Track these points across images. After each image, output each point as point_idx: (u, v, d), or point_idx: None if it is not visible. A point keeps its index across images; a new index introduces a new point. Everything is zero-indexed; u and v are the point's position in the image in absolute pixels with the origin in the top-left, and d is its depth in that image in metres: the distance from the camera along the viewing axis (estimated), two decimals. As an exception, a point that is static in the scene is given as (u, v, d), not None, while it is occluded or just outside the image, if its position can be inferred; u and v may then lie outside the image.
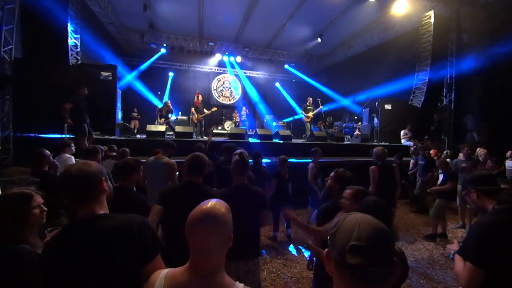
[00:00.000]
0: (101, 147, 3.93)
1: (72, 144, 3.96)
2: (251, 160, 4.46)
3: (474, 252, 1.33)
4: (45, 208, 1.42)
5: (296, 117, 13.68)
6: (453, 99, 8.89)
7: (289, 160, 4.75)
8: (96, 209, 1.15)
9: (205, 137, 8.35)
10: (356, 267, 0.62)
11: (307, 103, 9.82)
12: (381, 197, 3.73)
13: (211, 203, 0.95)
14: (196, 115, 8.66)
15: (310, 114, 9.66)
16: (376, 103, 9.86)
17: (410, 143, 8.13)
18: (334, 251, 0.67)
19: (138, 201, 2.13)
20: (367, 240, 0.63)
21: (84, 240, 1.05)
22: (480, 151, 5.54)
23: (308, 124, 9.82)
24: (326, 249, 0.71)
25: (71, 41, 6.96)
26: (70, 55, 6.90)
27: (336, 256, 0.66)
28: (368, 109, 10.74)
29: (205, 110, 8.78)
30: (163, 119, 8.74)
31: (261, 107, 14.52)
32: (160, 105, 10.28)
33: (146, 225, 1.12)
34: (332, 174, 2.44)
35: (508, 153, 5.40)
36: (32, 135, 5.98)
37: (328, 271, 0.71)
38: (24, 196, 1.36)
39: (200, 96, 9.02)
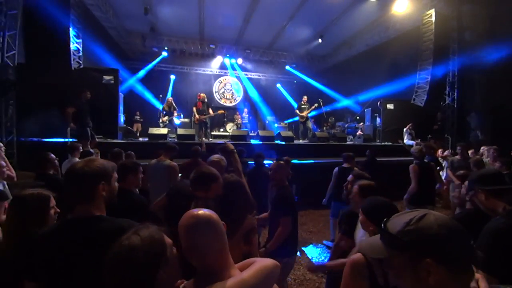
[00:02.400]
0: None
1: (81, 147, 4.00)
2: (252, 162, 4.49)
3: (486, 259, 1.23)
4: (58, 210, 1.43)
5: (297, 118, 13.65)
6: (456, 97, 8.83)
7: (292, 161, 4.73)
8: (92, 210, 1.15)
9: (210, 139, 8.34)
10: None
11: (302, 102, 9.52)
12: (422, 195, 3.80)
13: (195, 209, 0.98)
14: (197, 116, 8.61)
15: (305, 113, 9.33)
16: (378, 103, 9.81)
17: (413, 142, 8.07)
18: (452, 254, 0.65)
19: (137, 203, 2.10)
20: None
21: (75, 239, 1.06)
22: (484, 149, 5.47)
23: (302, 125, 9.51)
24: (430, 259, 0.66)
25: (73, 45, 7.02)
26: (72, 59, 6.95)
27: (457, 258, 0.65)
28: (370, 109, 10.70)
29: (210, 111, 8.67)
30: (166, 117, 8.69)
31: (263, 109, 14.53)
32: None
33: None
34: (349, 178, 2.41)
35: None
36: (36, 139, 6.02)
37: (434, 283, 0.66)
38: (44, 197, 1.37)
39: (202, 97, 8.86)
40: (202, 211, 0.97)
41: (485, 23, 7.92)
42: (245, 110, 12.59)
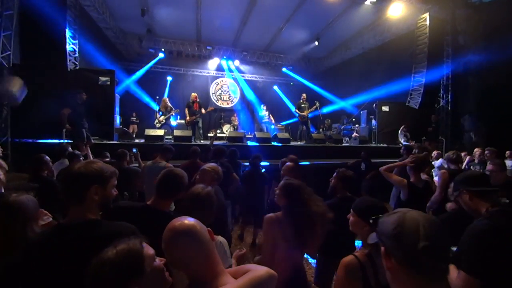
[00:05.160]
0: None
1: (70, 148, 3.97)
2: (247, 163, 4.51)
3: (468, 261, 1.25)
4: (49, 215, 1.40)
5: (294, 119, 13.70)
6: (450, 100, 8.95)
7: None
8: (86, 213, 1.11)
9: (202, 141, 8.28)
10: (428, 266, 0.67)
11: (301, 100, 9.25)
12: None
13: (178, 219, 0.96)
14: (188, 117, 8.37)
15: (305, 112, 9.03)
16: (374, 105, 9.91)
17: (408, 144, 8.15)
18: (399, 251, 0.71)
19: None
20: (435, 239, 0.68)
21: (68, 245, 1.03)
22: (476, 151, 5.55)
23: (302, 125, 9.30)
24: (383, 248, 0.77)
25: (69, 46, 6.97)
26: (68, 60, 6.91)
27: (403, 255, 0.70)
28: (366, 111, 10.79)
29: (202, 110, 8.54)
30: (162, 117, 8.63)
31: (260, 110, 14.54)
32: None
33: (134, 235, 1.06)
34: (334, 174, 2.55)
35: (507, 153, 5.40)
36: (30, 140, 5.97)
37: (387, 268, 0.76)
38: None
39: (197, 99, 8.70)
40: (179, 222, 0.93)
41: (478, 27, 8.05)
42: (264, 107, 11.04)
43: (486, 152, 4.80)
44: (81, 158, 3.71)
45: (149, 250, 0.85)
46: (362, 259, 1.38)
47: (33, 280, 1.00)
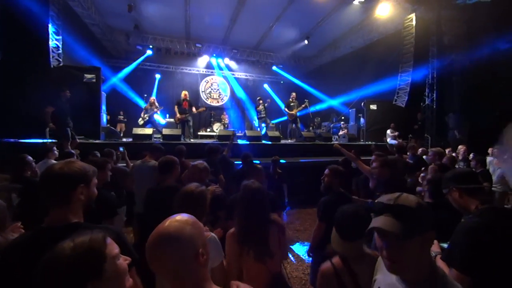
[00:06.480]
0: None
1: (55, 148, 3.86)
2: (240, 162, 4.49)
3: (460, 258, 1.27)
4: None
5: (285, 118, 13.75)
6: (435, 98, 9.19)
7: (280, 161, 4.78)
8: (69, 215, 1.07)
9: (192, 140, 8.20)
10: None
11: (290, 99, 9.25)
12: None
13: (168, 220, 0.85)
14: (178, 115, 8.18)
15: (295, 111, 9.01)
16: (362, 104, 10.06)
17: (396, 142, 8.32)
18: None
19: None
20: None
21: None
22: (460, 148, 5.72)
23: (291, 124, 9.28)
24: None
25: (52, 42, 6.74)
26: (51, 57, 6.68)
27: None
28: (354, 109, 10.95)
29: (193, 109, 8.43)
30: (146, 115, 8.59)
31: (250, 109, 14.55)
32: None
33: (119, 238, 1.01)
34: (326, 171, 2.59)
35: (490, 150, 5.57)
36: (12, 140, 5.75)
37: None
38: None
39: (187, 97, 8.58)
40: (167, 224, 0.82)
41: (463, 27, 8.28)
42: (261, 101, 9.99)
43: (495, 150, 4.92)
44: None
45: (113, 248, 0.75)
46: (338, 267, 1.37)
47: (9, 287, 0.95)
